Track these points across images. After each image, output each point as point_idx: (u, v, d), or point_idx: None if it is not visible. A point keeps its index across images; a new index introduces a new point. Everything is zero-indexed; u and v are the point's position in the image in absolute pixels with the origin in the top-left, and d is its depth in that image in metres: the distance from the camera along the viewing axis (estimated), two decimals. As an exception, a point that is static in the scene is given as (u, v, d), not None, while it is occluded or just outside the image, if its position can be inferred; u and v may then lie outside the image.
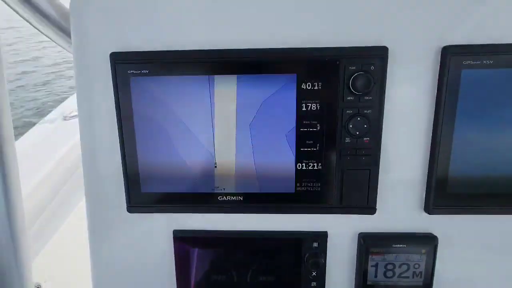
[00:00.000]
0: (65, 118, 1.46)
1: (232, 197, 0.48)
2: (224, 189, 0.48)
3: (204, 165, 0.47)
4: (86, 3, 0.44)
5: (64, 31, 0.54)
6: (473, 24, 0.43)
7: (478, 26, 0.43)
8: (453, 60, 0.43)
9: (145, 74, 0.44)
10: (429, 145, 0.46)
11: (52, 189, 1.09)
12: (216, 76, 0.44)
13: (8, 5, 0.50)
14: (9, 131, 0.48)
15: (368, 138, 0.45)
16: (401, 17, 0.44)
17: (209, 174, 0.48)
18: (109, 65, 0.44)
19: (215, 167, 0.47)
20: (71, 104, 1.58)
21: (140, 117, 0.46)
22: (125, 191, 0.48)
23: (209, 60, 0.44)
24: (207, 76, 0.44)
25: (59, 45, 0.60)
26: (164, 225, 0.51)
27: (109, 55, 0.44)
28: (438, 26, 0.43)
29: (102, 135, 0.48)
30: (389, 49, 0.43)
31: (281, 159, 0.47)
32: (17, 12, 0.51)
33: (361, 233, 0.50)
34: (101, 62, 0.45)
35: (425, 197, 0.48)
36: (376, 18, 0.44)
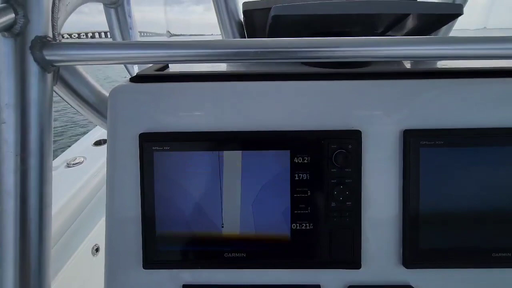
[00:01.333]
0: (68, 165, 1.52)
1: (236, 254, 0.56)
2: (229, 248, 0.56)
3: (212, 230, 0.55)
4: (122, 94, 0.56)
5: (100, 113, 0.65)
6: (427, 112, 0.56)
7: (431, 114, 0.56)
8: (412, 140, 0.54)
9: (167, 150, 0.54)
10: (402, 208, 0.56)
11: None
12: (224, 152, 0.55)
13: (55, 92, 0.60)
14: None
15: (350, 203, 0.55)
16: (371, 107, 0.56)
17: (216, 237, 0.55)
18: (137, 142, 0.54)
19: (222, 231, 0.55)
20: (74, 152, 1.65)
21: (160, 185, 0.55)
22: (142, 250, 0.55)
23: (219, 139, 0.55)
24: (217, 152, 0.55)
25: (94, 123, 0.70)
26: (175, 279, 0.57)
27: (138, 135, 0.54)
28: (400, 114, 0.56)
29: (126, 200, 0.56)
30: (362, 132, 0.55)
31: (278, 221, 0.55)
32: (59, 95, 0.62)
33: (350, 286, 0.57)
34: (131, 139, 0.55)
35: (402, 253, 0.56)
36: (352, 108, 0.56)
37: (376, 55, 0.48)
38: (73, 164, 1.55)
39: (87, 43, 0.49)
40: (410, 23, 0.79)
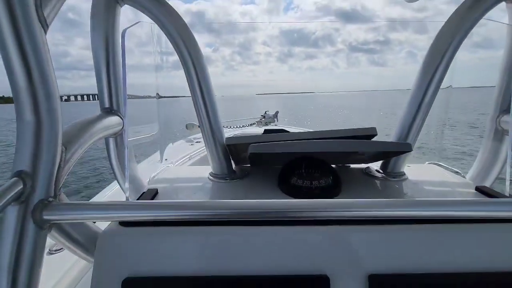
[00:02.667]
0: None
1: None
2: None
3: None
4: (111, 238, 0.59)
5: (87, 250, 0.67)
6: (390, 259, 0.59)
7: (395, 259, 0.59)
8: (378, 286, 0.57)
9: None
10: None
11: None
12: None
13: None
14: None
15: None
16: (338, 254, 0.60)
17: None
18: (120, 286, 0.57)
19: None
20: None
21: None
22: None
23: (201, 283, 0.58)
24: None
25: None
26: None
27: (121, 282, 0.57)
28: (365, 260, 0.59)
29: None
30: (330, 277, 0.58)
31: None
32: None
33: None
34: (114, 283, 0.57)
35: None
36: (320, 255, 0.60)
37: (330, 216, 0.52)
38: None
39: (85, 203, 0.54)
40: (367, 155, 0.90)
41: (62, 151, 0.56)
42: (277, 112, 5.76)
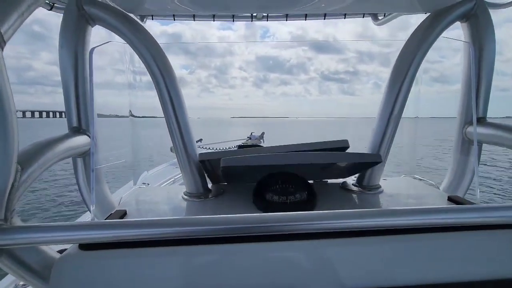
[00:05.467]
0: None
1: None
2: None
3: None
4: (68, 264, 0.54)
5: (42, 279, 0.60)
6: (367, 271, 0.59)
7: (372, 272, 0.59)
8: None
9: None
10: None
11: None
12: None
13: None
14: None
15: None
16: (313, 268, 0.58)
17: None
18: None
19: None
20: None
21: None
22: None
23: None
24: None
25: None
26: None
27: None
28: (339, 273, 0.58)
29: None
30: None
31: None
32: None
33: None
34: None
35: None
36: (295, 270, 0.58)
37: (307, 228, 0.52)
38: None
39: (39, 226, 0.48)
40: (340, 167, 0.94)
41: (17, 171, 0.52)
42: (263, 133, 5.79)
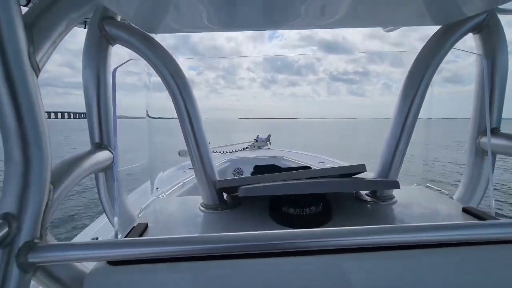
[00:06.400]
0: None
1: None
2: None
3: None
4: (98, 279, 0.57)
5: None
6: (386, 286, 0.60)
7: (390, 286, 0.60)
8: None
9: None
10: None
11: None
12: None
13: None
14: None
15: None
16: (332, 283, 0.60)
17: None
18: None
19: None
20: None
21: None
22: None
23: None
24: None
25: None
26: None
27: None
28: None
29: None
30: None
31: None
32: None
33: None
34: None
35: None
36: (314, 285, 0.59)
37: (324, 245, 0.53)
38: None
39: (71, 244, 0.51)
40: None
41: (50, 190, 0.55)
42: (269, 136, 5.83)
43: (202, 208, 0.95)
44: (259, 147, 5.34)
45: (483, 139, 0.99)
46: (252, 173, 1.01)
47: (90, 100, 0.82)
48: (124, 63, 0.83)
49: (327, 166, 3.07)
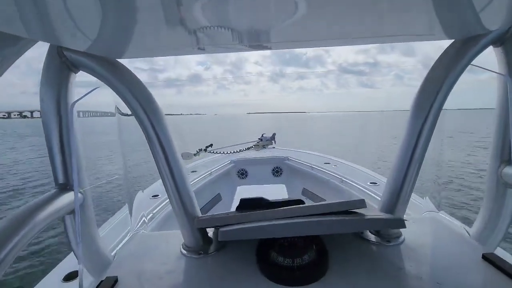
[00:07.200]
0: None
1: None
2: None
3: None
4: None
5: None
6: None
7: None
8: None
9: None
10: None
11: None
12: None
13: None
14: None
15: None
16: None
17: None
18: None
19: None
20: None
21: None
22: None
23: None
24: None
25: None
26: None
27: None
28: None
29: None
30: None
31: None
32: None
33: None
34: None
35: None
36: None
37: None
38: None
39: None
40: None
41: None
42: (274, 134, 5.76)
43: (184, 251, 0.86)
44: (263, 146, 5.26)
45: (507, 170, 0.86)
46: (238, 207, 0.91)
47: (50, 137, 0.73)
48: (84, 96, 0.73)
49: (332, 171, 2.93)
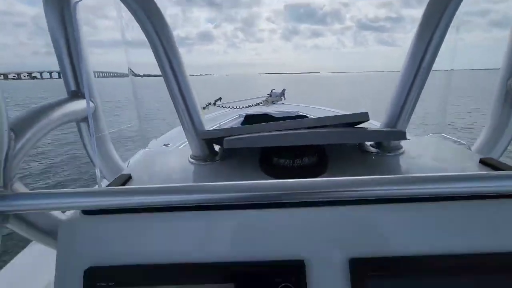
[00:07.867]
0: None
1: None
2: None
3: None
4: (72, 228, 0.57)
5: (52, 239, 0.65)
6: (374, 241, 0.55)
7: (378, 242, 0.55)
8: (360, 270, 0.53)
9: (111, 286, 0.54)
10: None
11: None
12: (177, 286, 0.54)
13: None
14: None
15: None
16: (315, 235, 0.55)
17: None
18: (82, 275, 0.54)
19: None
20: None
21: None
22: None
23: (168, 271, 0.55)
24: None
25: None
26: None
27: (83, 271, 0.54)
28: (346, 242, 0.55)
29: None
30: (306, 261, 0.53)
31: None
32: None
33: None
34: (79, 276, 0.55)
35: None
36: (297, 239, 0.55)
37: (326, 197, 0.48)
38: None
39: (40, 192, 0.49)
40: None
41: (10, 139, 0.52)
42: (283, 90, 5.66)
43: (192, 160, 0.92)
44: (273, 102, 5.20)
45: None
46: (242, 123, 0.94)
47: (57, 43, 0.75)
48: None
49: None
